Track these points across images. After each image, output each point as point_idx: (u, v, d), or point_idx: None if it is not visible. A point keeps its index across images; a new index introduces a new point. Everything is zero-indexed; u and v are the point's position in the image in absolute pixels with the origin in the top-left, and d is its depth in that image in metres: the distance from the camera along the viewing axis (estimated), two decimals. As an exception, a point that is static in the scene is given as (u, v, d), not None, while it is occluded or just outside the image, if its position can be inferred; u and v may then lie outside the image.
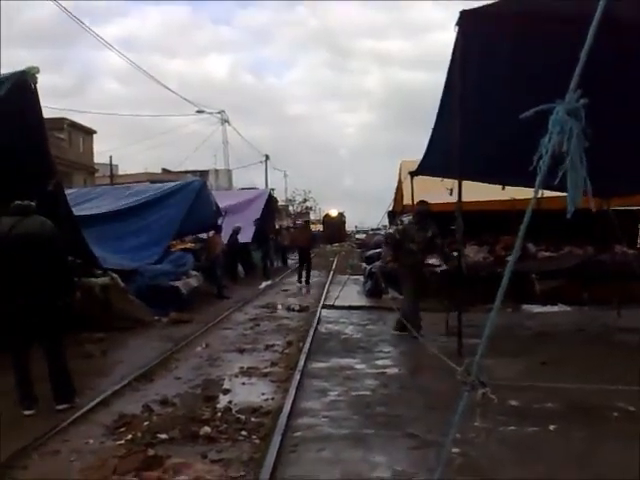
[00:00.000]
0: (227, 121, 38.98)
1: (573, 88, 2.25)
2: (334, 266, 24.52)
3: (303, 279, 18.92)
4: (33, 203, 5.63)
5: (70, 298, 5.93)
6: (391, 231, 9.29)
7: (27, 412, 5.33)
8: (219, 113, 38.44)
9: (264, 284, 18.41)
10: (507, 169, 8.94)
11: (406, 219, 9.03)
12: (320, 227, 53.87)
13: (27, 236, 5.37)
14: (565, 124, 2.25)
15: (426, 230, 8.76)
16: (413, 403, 5.59)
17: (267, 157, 48.01)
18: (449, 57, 6.67)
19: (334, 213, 32.02)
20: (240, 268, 20.05)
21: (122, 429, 4.87)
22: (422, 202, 8.99)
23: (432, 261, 10.94)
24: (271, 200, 27.12)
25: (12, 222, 5.41)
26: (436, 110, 7.85)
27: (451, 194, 7.72)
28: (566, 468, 4.02)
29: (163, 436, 4.64)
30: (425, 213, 8.84)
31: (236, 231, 18.73)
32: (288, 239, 25.30)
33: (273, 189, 30.48)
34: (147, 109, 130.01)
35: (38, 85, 7.23)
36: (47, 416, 5.24)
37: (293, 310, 12.44)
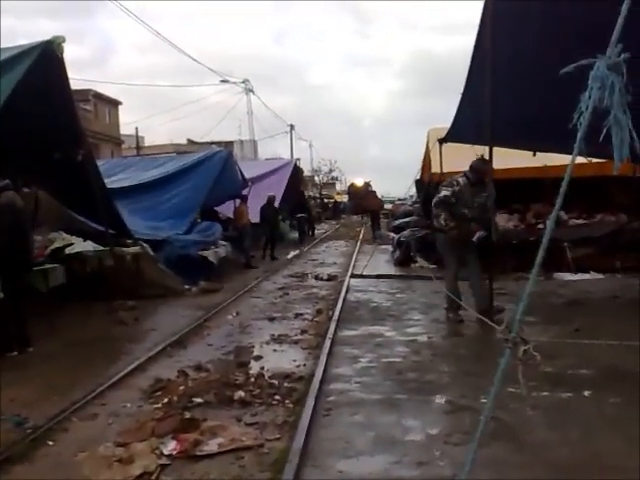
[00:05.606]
0: (251, 90, 38.59)
1: (614, 42, 2.17)
2: (361, 236, 24.52)
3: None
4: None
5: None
6: (447, 193, 7.55)
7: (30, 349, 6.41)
8: (243, 82, 38.01)
9: (292, 254, 18.47)
10: (539, 134, 8.79)
11: (462, 180, 7.63)
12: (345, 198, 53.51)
13: (15, 207, 6.48)
14: (606, 79, 2.18)
15: (483, 193, 7.55)
16: (445, 369, 5.60)
17: (292, 127, 47.55)
18: (477, 20, 6.51)
19: (359, 183, 31.64)
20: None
21: (158, 393, 4.98)
22: (482, 160, 7.51)
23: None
24: (297, 170, 27.04)
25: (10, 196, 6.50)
26: (464, 75, 7.70)
27: (481, 160, 7.59)
28: (600, 433, 4.00)
29: (198, 400, 4.73)
30: (485, 172, 7.44)
31: (271, 200, 18.30)
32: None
33: (299, 159, 30.28)
34: (168, 80, 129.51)
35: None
36: (84, 381, 5.36)
37: (322, 279, 12.49)
